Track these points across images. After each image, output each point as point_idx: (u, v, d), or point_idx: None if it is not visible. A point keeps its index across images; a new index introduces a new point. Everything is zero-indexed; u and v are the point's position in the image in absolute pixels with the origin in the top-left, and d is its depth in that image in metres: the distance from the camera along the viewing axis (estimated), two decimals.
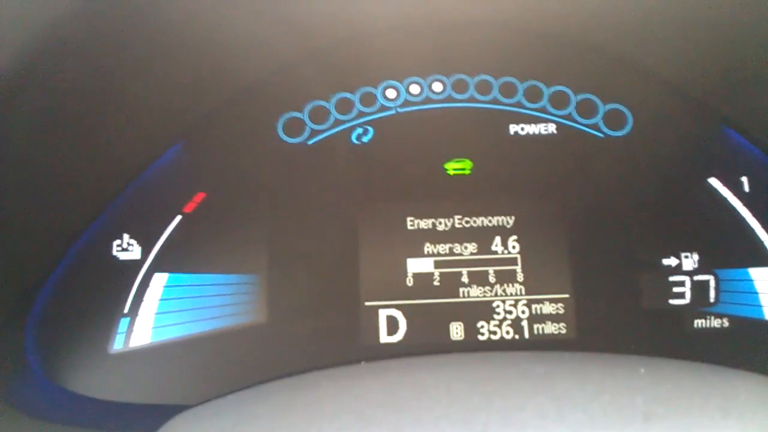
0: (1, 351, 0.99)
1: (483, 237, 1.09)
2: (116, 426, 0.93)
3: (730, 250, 1.08)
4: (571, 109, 1.12)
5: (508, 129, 1.12)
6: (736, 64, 1.04)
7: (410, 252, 1.08)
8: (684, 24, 1.01)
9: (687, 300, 1.07)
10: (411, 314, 1.06)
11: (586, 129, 1.12)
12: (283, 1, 1.00)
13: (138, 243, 1.07)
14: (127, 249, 1.07)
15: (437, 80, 1.13)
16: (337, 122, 1.12)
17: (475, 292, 1.07)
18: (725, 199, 1.09)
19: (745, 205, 1.09)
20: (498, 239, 1.09)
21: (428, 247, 1.09)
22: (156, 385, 1.03)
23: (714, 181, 1.10)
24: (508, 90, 1.13)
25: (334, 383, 0.71)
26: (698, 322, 1.06)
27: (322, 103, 1.12)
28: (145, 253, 1.07)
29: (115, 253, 1.07)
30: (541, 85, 1.12)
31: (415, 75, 1.13)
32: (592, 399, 0.61)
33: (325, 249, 1.08)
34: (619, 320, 1.06)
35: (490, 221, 1.10)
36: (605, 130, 1.12)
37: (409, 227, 1.09)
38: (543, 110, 1.12)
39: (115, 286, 1.06)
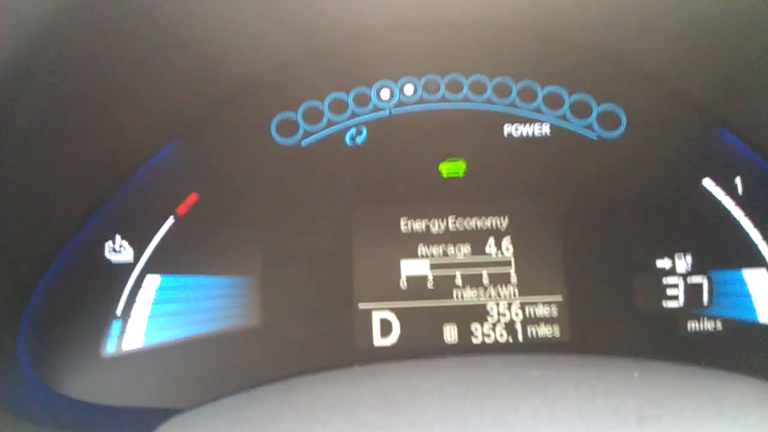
0: None
1: (477, 239, 1.09)
2: (109, 429, 0.92)
3: (723, 251, 1.08)
4: (565, 109, 1.12)
5: (502, 129, 1.12)
6: (731, 65, 1.04)
7: (404, 253, 1.08)
8: (679, 25, 1.01)
9: (681, 303, 1.07)
10: (405, 317, 1.06)
11: (580, 129, 1.11)
12: (278, 2, 0.99)
13: (130, 245, 1.07)
14: (119, 251, 1.07)
15: (432, 80, 1.13)
16: (331, 123, 1.12)
17: (469, 295, 1.07)
18: (719, 200, 1.09)
19: (738, 206, 1.08)
20: (492, 240, 1.09)
21: (422, 249, 1.08)
22: (149, 389, 1.03)
23: (708, 182, 1.10)
24: (502, 90, 1.12)
25: (327, 386, 0.71)
26: (692, 325, 1.06)
27: (316, 103, 1.12)
28: (138, 255, 1.07)
29: (107, 255, 1.07)
30: (536, 85, 1.12)
31: (410, 75, 1.13)
32: (585, 402, 0.61)
33: (319, 250, 1.08)
34: (613, 322, 1.06)
35: (484, 222, 1.09)
36: (599, 130, 1.12)
37: (403, 229, 1.09)
38: (537, 110, 1.12)
39: (107, 289, 1.05)
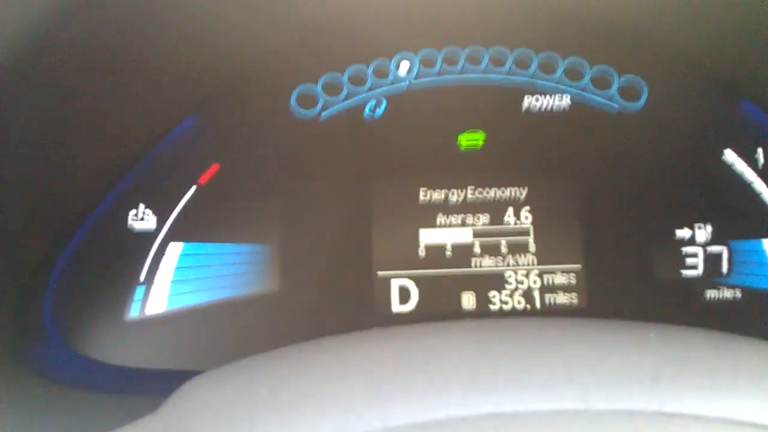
0: (21, 319, 1.00)
1: (495, 208, 1.09)
2: (132, 390, 0.94)
3: (744, 222, 1.07)
4: (586, 80, 1.11)
5: (522, 101, 1.11)
6: (753, 36, 1.02)
7: (423, 223, 1.09)
8: None
9: (699, 271, 1.07)
10: (423, 284, 1.07)
11: (602, 101, 1.11)
12: None
13: (153, 213, 1.08)
14: (142, 219, 1.08)
15: (452, 52, 1.12)
16: (350, 94, 1.12)
17: (487, 263, 1.08)
18: (740, 171, 1.08)
19: (760, 176, 1.08)
20: (510, 210, 1.09)
21: (441, 218, 1.09)
22: (170, 352, 1.04)
23: (729, 153, 1.09)
24: (523, 61, 1.12)
25: (345, 346, 0.72)
26: (711, 294, 1.06)
27: (337, 75, 1.12)
28: (161, 223, 1.08)
29: (131, 222, 1.08)
30: (557, 56, 1.11)
31: (430, 47, 1.12)
32: (601, 360, 0.61)
33: (338, 220, 1.09)
34: (631, 291, 1.06)
35: (503, 193, 1.09)
36: (620, 102, 1.11)
37: (422, 199, 1.10)
38: (558, 81, 1.11)
39: (131, 256, 1.07)
